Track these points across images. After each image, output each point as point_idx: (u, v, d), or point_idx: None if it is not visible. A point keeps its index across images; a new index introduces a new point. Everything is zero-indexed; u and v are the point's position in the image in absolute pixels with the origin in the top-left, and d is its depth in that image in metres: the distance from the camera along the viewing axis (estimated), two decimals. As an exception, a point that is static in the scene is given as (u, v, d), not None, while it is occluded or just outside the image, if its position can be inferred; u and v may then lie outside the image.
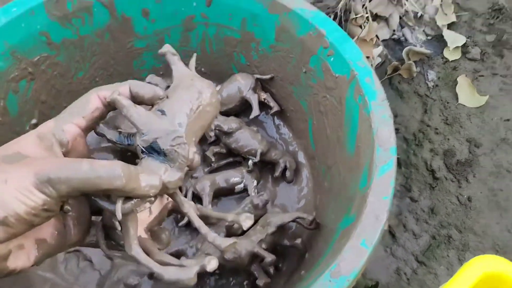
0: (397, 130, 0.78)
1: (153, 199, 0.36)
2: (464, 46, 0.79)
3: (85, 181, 0.32)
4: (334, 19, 0.80)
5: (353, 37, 0.76)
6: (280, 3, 0.68)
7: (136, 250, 0.35)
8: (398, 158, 0.77)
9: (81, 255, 0.66)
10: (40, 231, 0.35)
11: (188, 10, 0.73)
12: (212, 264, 0.37)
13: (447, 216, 0.73)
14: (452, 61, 0.79)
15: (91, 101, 0.38)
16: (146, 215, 0.40)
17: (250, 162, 0.71)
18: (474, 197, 0.73)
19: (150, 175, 0.35)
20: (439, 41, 0.80)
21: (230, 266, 0.58)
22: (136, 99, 0.38)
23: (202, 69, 0.80)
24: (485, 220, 0.72)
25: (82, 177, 0.32)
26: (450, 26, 0.81)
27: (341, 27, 0.80)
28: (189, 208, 0.40)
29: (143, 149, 0.36)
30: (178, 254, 0.62)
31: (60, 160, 0.35)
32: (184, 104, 0.38)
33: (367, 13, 0.78)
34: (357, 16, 0.75)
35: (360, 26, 0.75)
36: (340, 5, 0.78)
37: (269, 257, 0.57)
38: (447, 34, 0.78)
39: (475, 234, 0.71)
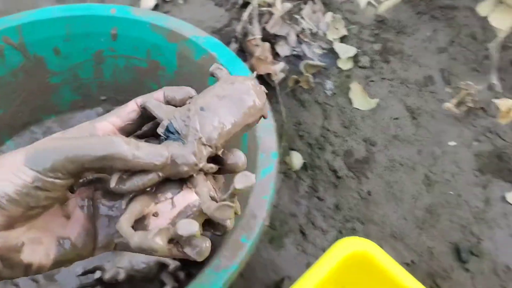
0: (301, 137, 0.86)
1: (174, 190, 0.34)
2: (355, 56, 0.87)
3: (76, 149, 0.30)
4: (236, 41, 0.88)
5: (252, 57, 0.84)
6: (177, 33, 0.75)
7: (120, 223, 0.32)
8: (304, 162, 0.84)
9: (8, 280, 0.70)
10: (64, 229, 0.34)
11: (96, 45, 0.79)
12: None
13: (350, 210, 0.80)
14: (345, 70, 0.87)
15: (129, 105, 0.37)
16: (168, 207, 0.35)
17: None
18: (373, 191, 0.80)
19: (156, 147, 0.32)
20: (333, 53, 0.88)
21: (141, 276, 0.63)
22: (171, 103, 0.37)
23: (118, 97, 0.86)
24: (383, 210, 0.79)
25: (74, 145, 0.30)
26: (343, 39, 0.89)
27: (244, 48, 0.88)
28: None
29: (162, 134, 0.34)
30: (95, 269, 0.67)
31: (52, 137, 0.33)
32: (211, 91, 0.36)
33: (265, 35, 0.86)
34: (252, 37, 0.82)
35: (258, 45, 0.82)
36: (238, 29, 0.86)
37: (173, 264, 0.63)
38: (339, 47, 0.87)
39: (375, 224, 0.79)
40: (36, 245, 0.32)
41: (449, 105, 0.79)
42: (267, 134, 0.63)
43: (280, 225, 0.80)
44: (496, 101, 0.75)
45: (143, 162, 0.31)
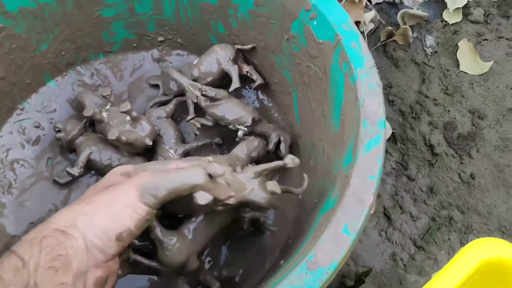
0: (392, 102, 0.72)
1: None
2: (466, 7, 0.71)
3: (174, 182, 0.38)
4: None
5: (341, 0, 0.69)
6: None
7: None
8: (393, 133, 0.70)
9: None
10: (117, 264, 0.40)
11: (159, -26, 0.66)
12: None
13: (448, 195, 0.66)
14: (452, 24, 0.71)
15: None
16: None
17: (240, 132, 0.64)
18: (477, 174, 0.66)
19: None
20: (438, 2, 0.72)
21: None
22: None
23: (179, 40, 0.73)
24: (490, 199, 0.65)
25: (172, 179, 0.38)
26: (451, -14, 0.73)
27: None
28: None
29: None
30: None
31: (150, 172, 0.40)
32: None
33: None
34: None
35: (350, -13, 0.67)
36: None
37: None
38: (447, -6, 0.71)
39: (479, 214, 0.65)
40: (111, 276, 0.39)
41: None
42: (372, 97, 0.50)
43: (373, 211, 0.67)
44: None
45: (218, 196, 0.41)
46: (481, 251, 0.42)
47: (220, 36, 0.72)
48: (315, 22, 0.57)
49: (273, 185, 0.45)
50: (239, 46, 0.68)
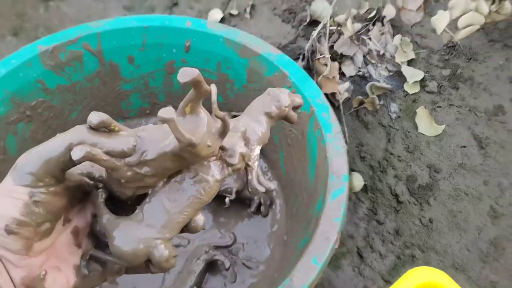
0: (363, 158, 0.85)
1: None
2: (423, 80, 0.86)
3: (47, 150, 0.31)
4: (303, 59, 0.88)
5: (319, 75, 0.84)
6: (249, 48, 0.76)
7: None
8: (365, 185, 0.83)
9: None
10: (78, 257, 0.36)
11: (169, 56, 0.81)
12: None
13: (411, 237, 0.79)
14: (412, 94, 0.86)
15: None
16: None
17: (226, 199, 0.77)
18: (435, 219, 0.79)
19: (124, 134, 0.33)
20: (400, 76, 0.87)
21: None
22: None
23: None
24: (446, 240, 0.77)
25: (43, 148, 0.31)
26: (410, 62, 0.88)
27: (311, 66, 0.89)
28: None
29: None
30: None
31: (27, 151, 0.33)
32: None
33: (331, 54, 0.86)
34: (321, 56, 0.83)
35: (326, 65, 0.83)
36: (306, 47, 0.87)
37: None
38: (406, 70, 0.86)
39: (436, 253, 0.77)
40: (57, 273, 0.34)
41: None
42: (337, 156, 0.63)
43: (338, 246, 0.79)
44: None
45: (109, 147, 0.31)
46: (417, 277, 0.54)
47: (219, 104, 0.86)
48: (295, 97, 0.72)
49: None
50: (234, 113, 0.83)
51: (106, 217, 0.34)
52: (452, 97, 0.85)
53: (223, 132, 0.33)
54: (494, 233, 0.77)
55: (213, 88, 0.32)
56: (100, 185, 0.36)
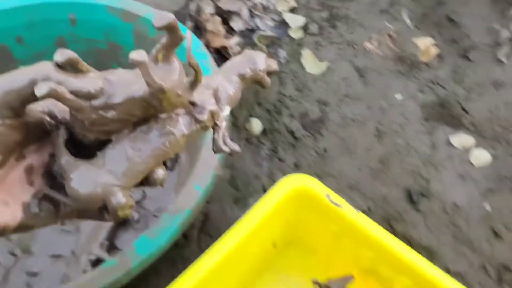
0: (260, 104, 0.91)
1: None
2: (305, 24, 0.93)
3: (9, 81, 0.30)
4: (191, 19, 0.93)
5: (207, 32, 0.89)
6: (131, 13, 0.79)
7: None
8: (264, 127, 0.89)
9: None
10: (28, 195, 0.35)
11: (57, 32, 0.83)
12: None
13: (309, 167, 0.85)
14: (297, 39, 0.92)
15: None
16: None
17: None
18: (328, 147, 0.86)
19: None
20: (284, 24, 0.94)
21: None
22: None
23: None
24: (339, 164, 0.85)
25: (6, 78, 0.30)
26: (293, 10, 0.95)
27: (199, 26, 0.93)
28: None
29: None
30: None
31: None
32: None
33: (218, 12, 0.91)
34: (204, 14, 0.88)
35: (209, 21, 0.88)
36: (192, 8, 0.91)
37: None
38: (289, 17, 0.92)
39: (333, 177, 0.84)
40: (4, 207, 0.33)
41: (369, 45, 0.85)
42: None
43: (244, 186, 0.85)
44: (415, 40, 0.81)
45: (75, 87, 0.30)
46: (290, 183, 0.60)
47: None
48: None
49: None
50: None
51: (65, 158, 0.33)
52: (331, 36, 0.91)
53: (195, 82, 0.33)
54: (381, 151, 0.85)
55: (189, 35, 0.32)
56: (62, 126, 0.35)
